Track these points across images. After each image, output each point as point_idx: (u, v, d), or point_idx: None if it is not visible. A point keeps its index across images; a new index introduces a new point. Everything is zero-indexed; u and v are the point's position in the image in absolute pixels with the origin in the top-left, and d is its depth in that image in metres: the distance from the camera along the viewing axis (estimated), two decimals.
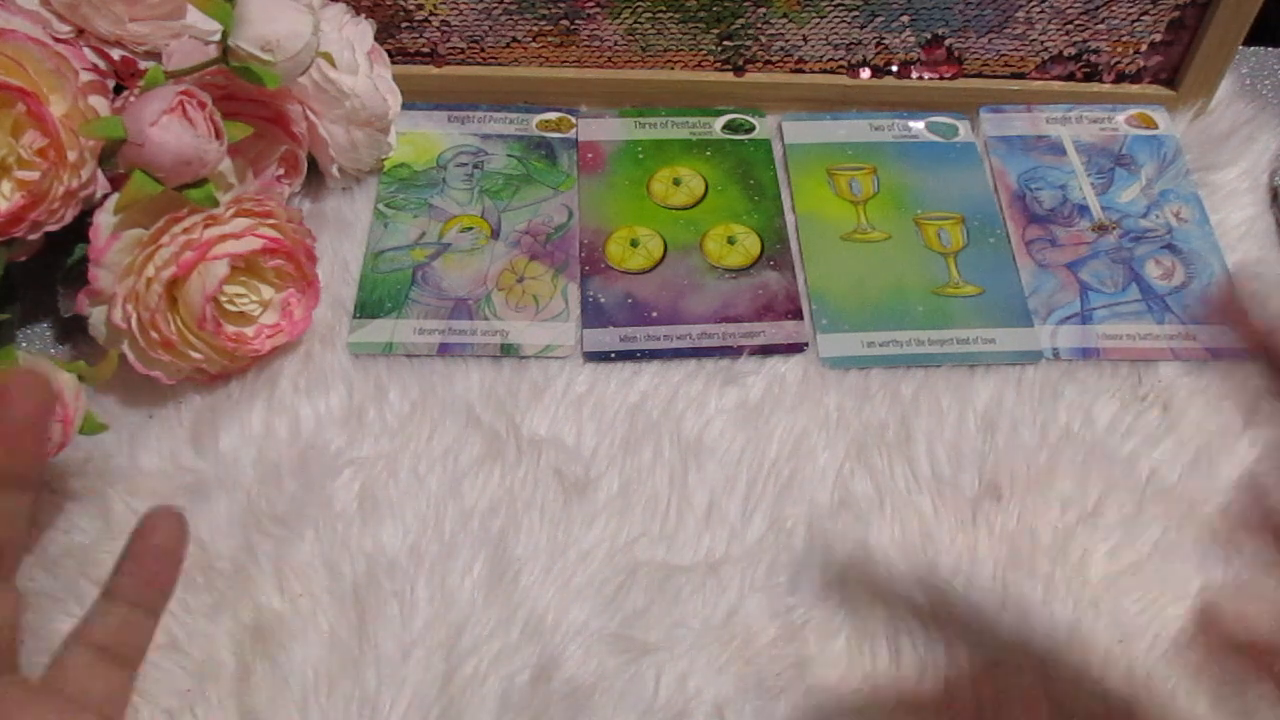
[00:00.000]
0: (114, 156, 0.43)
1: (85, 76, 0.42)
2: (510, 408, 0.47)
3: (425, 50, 0.57)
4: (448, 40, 0.56)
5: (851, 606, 0.42)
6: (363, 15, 0.53)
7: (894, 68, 0.58)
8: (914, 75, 0.58)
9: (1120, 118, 0.58)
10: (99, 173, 0.43)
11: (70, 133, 0.41)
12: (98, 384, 0.42)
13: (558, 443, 0.46)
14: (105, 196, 0.43)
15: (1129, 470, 0.46)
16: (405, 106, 0.56)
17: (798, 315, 0.50)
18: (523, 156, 0.56)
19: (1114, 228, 0.54)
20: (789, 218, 0.54)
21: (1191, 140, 0.57)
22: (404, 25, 0.55)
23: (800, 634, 0.42)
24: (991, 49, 0.57)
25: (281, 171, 0.51)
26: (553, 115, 0.58)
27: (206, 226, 0.43)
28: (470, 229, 0.53)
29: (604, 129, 0.57)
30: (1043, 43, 0.56)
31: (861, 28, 0.56)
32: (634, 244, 0.53)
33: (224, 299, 0.45)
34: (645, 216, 0.54)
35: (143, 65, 0.47)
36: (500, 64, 0.57)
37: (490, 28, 0.56)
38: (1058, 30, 0.56)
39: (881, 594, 0.42)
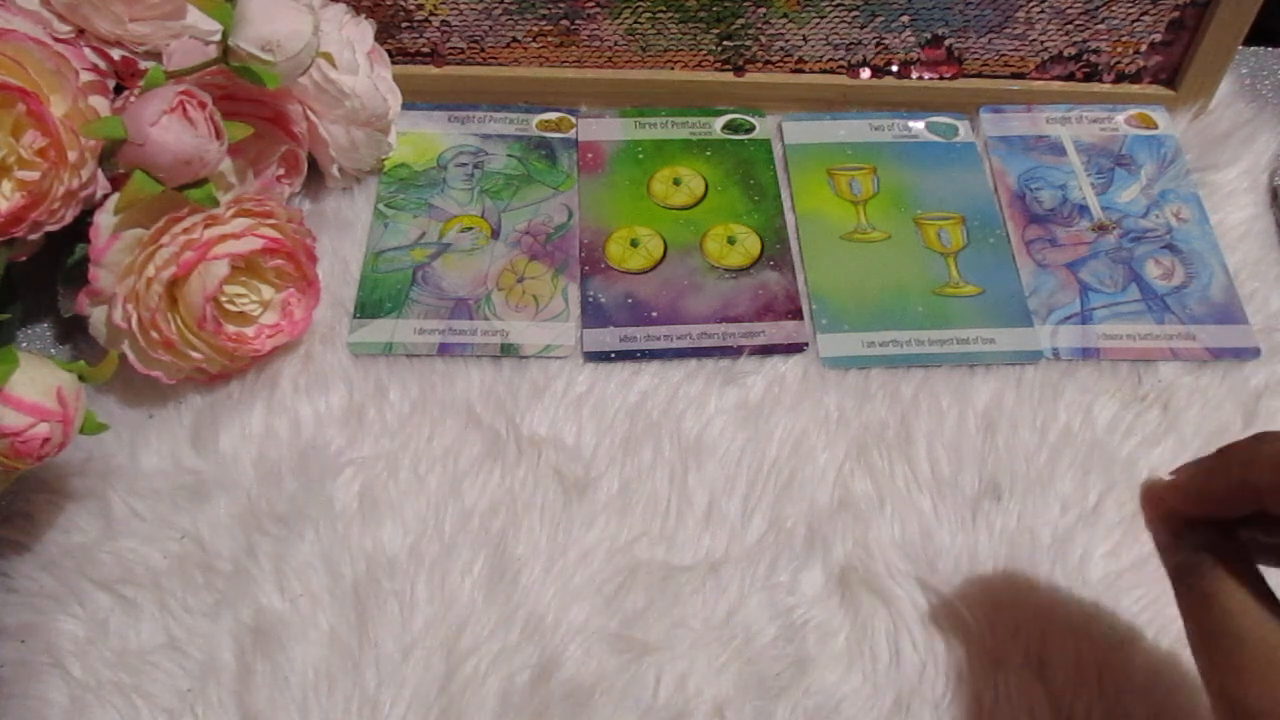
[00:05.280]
0: (114, 156, 0.43)
1: (85, 76, 0.42)
2: (510, 408, 0.47)
3: (425, 50, 0.57)
4: (448, 40, 0.56)
5: (851, 606, 0.42)
6: (363, 15, 0.53)
7: (894, 68, 0.58)
8: (914, 75, 0.58)
9: (1120, 118, 0.58)
10: (99, 173, 0.43)
11: (70, 133, 0.41)
12: (98, 384, 0.42)
13: (558, 443, 0.46)
14: (105, 196, 0.43)
15: (1129, 470, 0.46)
16: (405, 106, 0.56)
17: (798, 315, 0.50)
18: (523, 156, 0.56)
19: (1114, 228, 0.54)
20: (789, 218, 0.54)
21: (1191, 140, 0.57)
22: (404, 25, 0.56)
23: (800, 634, 0.42)
24: (991, 49, 0.57)
25: (281, 171, 0.51)
26: (553, 115, 0.58)
27: (207, 226, 0.43)
28: (470, 229, 0.53)
29: (604, 129, 0.57)
30: (1043, 43, 0.56)
31: (861, 28, 0.56)
32: (634, 244, 0.53)
33: (224, 299, 0.45)
34: (645, 216, 0.54)
35: (143, 65, 0.47)
36: (500, 64, 0.57)
37: (490, 28, 0.56)
38: (1058, 30, 0.56)
39: (881, 594, 0.42)
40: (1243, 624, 0.29)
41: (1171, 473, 0.33)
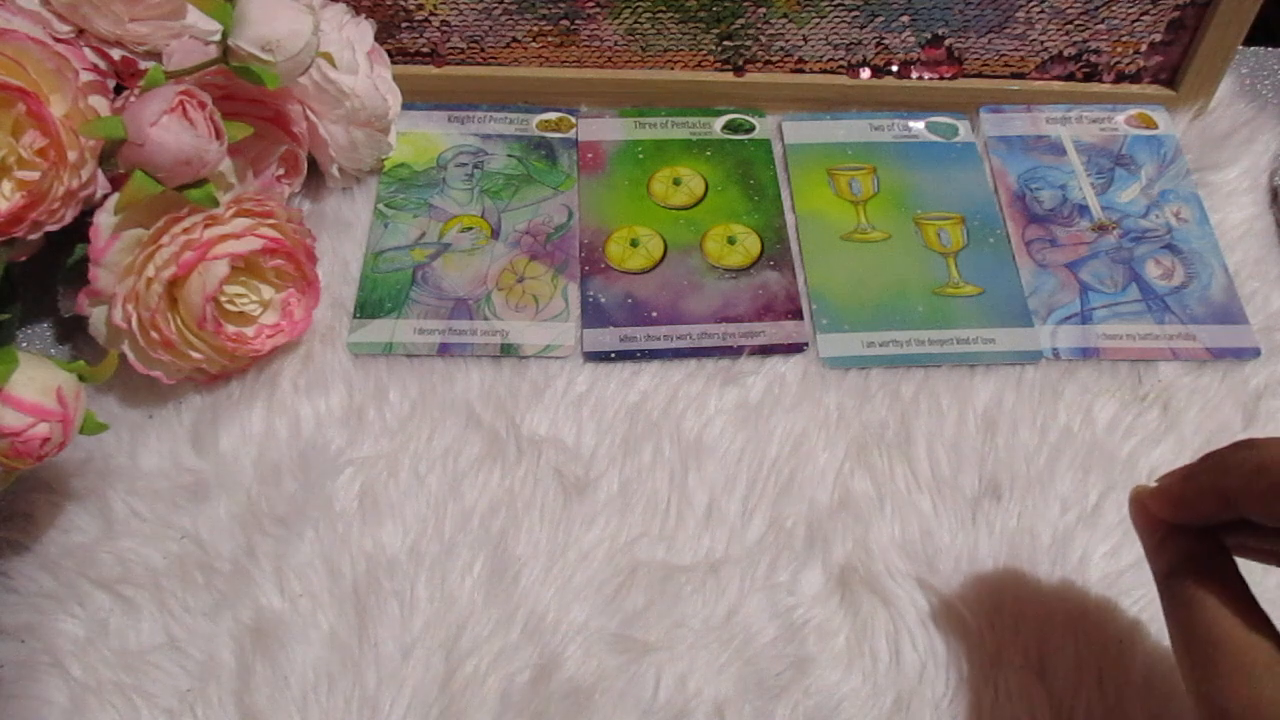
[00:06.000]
0: (114, 156, 0.43)
1: (85, 76, 0.42)
2: (510, 408, 0.47)
3: (425, 50, 0.57)
4: (448, 40, 0.56)
5: (851, 606, 0.42)
6: (363, 15, 0.53)
7: (894, 68, 0.58)
8: (914, 75, 0.58)
9: (1120, 118, 0.58)
10: (99, 173, 0.43)
11: (70, 133, 0.41)
12: (98, 384, 0.42)
13: (558, 443, 0.46)
14: (105, 196, 0.43)
15: (1129, 470, 0.46)
16: (405, 106, 0.56)
17: (798, 315, 0.50)
18: (523, 156, 0.56)
19: (1114, 228, 0.54)
20: (789, 218, 0.54)
21: (1191, 140, 0.57)
22: (404, 25, 0.56)
23: (800, 634, 0.42)
24: (991, 49, 0.57)
25: (281, 171, 0.51)
26: (553, 115, 0.58)
27: (206, 226, 0.43)
28: (470, 229, 0.53)
29: (604, 129, 0.57)
30: (1043, 43, 0.56)
31: (861, 28, 0.56)
32: (634, 244, 0.53)
33: (224, 299, 0.45)
34: (645, 216, 0.54)
35: (143, 65, 0.47)
36: (500, 64, 0.57)
37: (490, 28, 0.56)
38: (1058, 30, 0.56)
39: (881, 594, 0.42)
40: (1223, 628, 0.30)
41: (1157, 480, 0.34)
